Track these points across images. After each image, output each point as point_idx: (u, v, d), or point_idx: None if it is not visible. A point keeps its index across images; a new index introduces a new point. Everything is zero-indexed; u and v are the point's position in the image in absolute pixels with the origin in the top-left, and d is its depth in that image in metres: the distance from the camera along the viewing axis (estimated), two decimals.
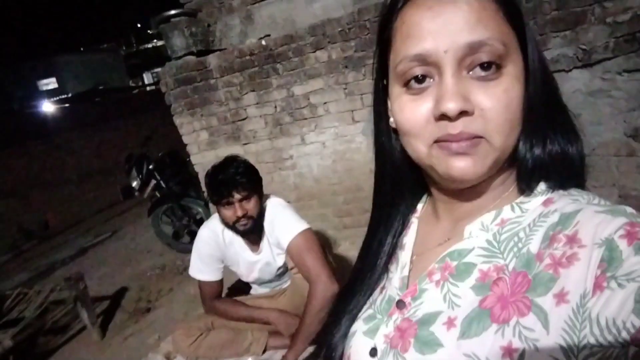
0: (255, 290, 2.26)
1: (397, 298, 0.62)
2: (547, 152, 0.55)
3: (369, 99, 3.19)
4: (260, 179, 2.00)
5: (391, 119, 0.60)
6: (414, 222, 0.70)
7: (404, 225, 0.71)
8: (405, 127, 0.55)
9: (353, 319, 0.68)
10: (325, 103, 3.30)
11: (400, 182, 0.68)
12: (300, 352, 1.81)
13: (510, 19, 0.52)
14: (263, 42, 3.34)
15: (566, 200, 0.53)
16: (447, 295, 0.56)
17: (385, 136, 0.64)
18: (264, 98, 3.46)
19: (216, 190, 1.89)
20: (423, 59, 0.51)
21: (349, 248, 3.53)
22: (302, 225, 1.95)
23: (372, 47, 3.02)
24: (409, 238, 0.68)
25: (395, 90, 0.56)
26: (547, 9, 2.45)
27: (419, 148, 0.54)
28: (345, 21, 3.04)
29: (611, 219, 0.46)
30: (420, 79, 0.52)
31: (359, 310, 0.68)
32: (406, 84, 0.54)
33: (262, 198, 2.00)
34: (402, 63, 0.53)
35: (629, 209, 0.48)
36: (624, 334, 0.40)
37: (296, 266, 1.95)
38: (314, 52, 3.18)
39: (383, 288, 0.67)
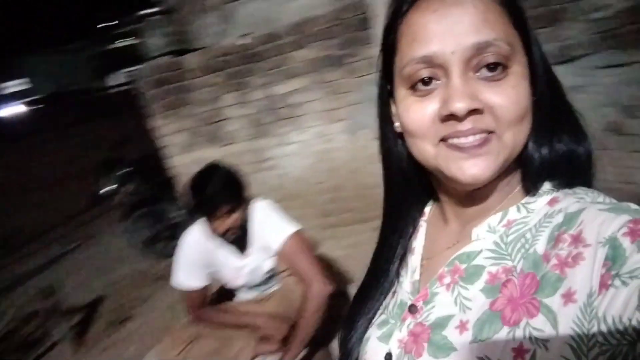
0: (241, 295, 2.19)
1: (409, 303, 0.63)
2: (554, 152, 0.56)
3: (350, 97, 3.16)
4: (244, 187, 1.95)
5: (396, 124, 0.61)
6: (423, 225, 0.71)
7: (414, 228, 0.72)
8: (411, 128, 0.55)
9: (368, 324, 0.69)
10: (306, 102, 3.26)
11: (407, 186, 0.69)
12: (297, 355, 1.78)
13: (514, 20, 0.53)
14: (242, 42, 3.27)
15: (571, 200, 0.53)
16: (458, 298, 0.57)
17: (391, 141, 0.65)
18: (244, 98, 3.39)
19: (199, 207, 1.85)
20: (430, 61, 0.51)
21: (333, 247, 3.49)
22: (293, 227, 1.92)
23: (352, 45, 3.02)
24: (418, 242, 0.70)
25: (401, 92, 0.57)
26: (527, 6, 2.45)
27: (426, 149, 0.55)
28: (326, 19, 3.00)
29: (614, 217, 0.46)
30: (426, 81, 0.53)
31: (373, 316, 0.69)
32: (412, 87, 0.54)
33: (247, 206, 1.94)
34: (409, 65, 0.53)
35: (633, 206, 0.48)
36: (631, 331, 0.40)
37: (289, 268, 1.92)
38: (295, 50, 3.13)
39: (394, 292, 0.69)
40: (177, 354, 1.93)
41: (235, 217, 1.86)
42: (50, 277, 5.20)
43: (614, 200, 0.51)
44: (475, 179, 0.52)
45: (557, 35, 2.45)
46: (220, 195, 1.80)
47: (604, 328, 0.42)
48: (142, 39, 3.46)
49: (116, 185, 4.93)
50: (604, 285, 0.43)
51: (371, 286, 0.72)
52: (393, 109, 0.61)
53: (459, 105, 0.49)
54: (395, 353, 0.61)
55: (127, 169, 4.89)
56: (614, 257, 0.44)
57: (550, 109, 0.55)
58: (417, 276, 0.66)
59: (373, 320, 0.69)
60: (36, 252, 6.60)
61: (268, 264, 2.02)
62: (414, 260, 0.68)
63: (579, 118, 0.58)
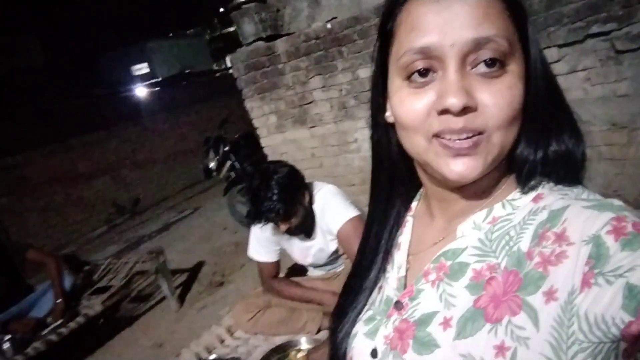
0: (311, 272, 2.32)
1: (395, 299, 0.63)
2: (551, 151, 0.55)
3: None
4: (300, 189, 1.97)
5: (387, 113, 0.60)
6: (409, 220, 0.70)
7: (400, 222, 0.71)
8: (404, 120, 0.54)
9: (355, 319, 0.69)
10: None
11: (395, 177, 0.68)
12: None
13: (514, 18, 0.51)
14: (328, 26, 3.34)
15: (555, 196, 0.53)
16: (443, 295, 0.56)
17: (382, 130, 0.64)
18: (330, 82, 3.48)
19: (257, 219, 1.94)
20: (427, 52, 0.50)
21: None
22: (352, 213, 1.95)
23: None
24: (404, 237, 0.69)
25: (396, 83, 0.55)
26: None
27: (418, 142, 0.54)
28: None
29: (598, 214, 0.46)
30: (423, 73, 0.51)
31: (360, 311, 0.69)
32: (408, 77, 0.53)
33: (305, 201, 1.98)
34: (406, 55, 0.52)
35: (617, 202, 0.48)
36: (614, 330, 0.41)
37: (344, 252, 1.97)
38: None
39: (381, 288, 0.68)
40: (248, 319, 2.12)
41: (293, 222, 1.93)
42: (162, 241, 5.86)
43: (598, 196, 0.51)
44: (462, 177, 0.51)
45: None
46: (271, 213, 1.87)
47: (584, 326, 0.43)
48: (237, 26, 3.68)
49: (218, 162, 5.34)
50: (586, 284, 0.43)
51: (357, 280, 0.71)
52: (388, 101, 0.59)
53: (454, 101, 0.48)
54: (380, 349, 0.61)
55: (227, 148, 5.26)
56: (597, 256, 0.44)
57: (546, 109, 0.54)
58: (403, 272, 0.65)
59: (360, 316, 0.68)
60: (153, 218, 7.45)
61: (333, 246, 2.10)
62: (400, 255, 0.67)
63: (576, 118, 0.57)
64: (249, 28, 3.62)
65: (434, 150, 0.52)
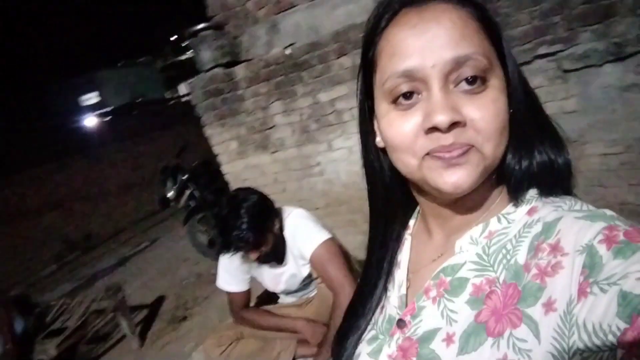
0: (283, 299, 2.27)
1: (397, 317, 0.63)
2: (535, 162, 0.57)
3: None
4: (270, 216, 1.95)
5: (378, 138, 0.62)
6: (407, 239, 0.71)
7: (399, 242, 0.72)
8: (394, 142, 0.56)
9: (358, 340, 0.69)
10: (350, 109, 3.29)
11: (391, 200, 0.69)
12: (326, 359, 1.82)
13: (490, 35, 0.54)
14: (288, 51, 3.37)
15: (548, 208, 0.54)
16: (444, 311, 0.57)
17: (373, 155, 0.66)
18: (291, 106, 3.48)
19: (226, 248, 1.90)
20: (410, 75, 0.52)
21: None
22: (323, 236, 1.94)
23: None
24: (404, 255, 0.70)
25: (383, 107, 0.57)
26: (575, 4, 2.36)
27: (409, 162, 0.55)
28: None
29: (590, 224, 0.47)
30: (407, 96, 0.53)
31: (363, 331, 0.69)
32: (394, 101, 0.55)
33: (275, 228, 1.96)
34: (390, 80, 0.54)
35: (609, 212, 0.49)
36: (611, 337, 0.41)
37: (319, 277, 1.95)
38: (338, 58, 3.18)
39: (383, 308, 0.69)
40: (220, 353, 2.03)
41: (262, 250, 1.90)
42: (120, 276, 5.60)
43: (591, 207, 0.52)
44: (457, 187, 0.52)
45: (608, 32, 2.33)
46: (239, 242, 1.84)
47: (584, 335, 0.43)
48: (195, 53, 3.65)
49: (177, 191, 5.21)
50: (582, 293, 0.44)
51: (361, 302, 0.72)
52: (375, 124, 0.61)
53: (441, 118, 0.49)
54: None
55: (186, 176, 5.14)
56: (591, 265, 0.44)
57: (527, 121, 0.56)
58: (403, 290, 0.66)
59: (363, 336, 0.69)
60: (107, 253, 7.12)
61: (305, 271, 2.07)
62: (400, 274, 0.68)
63: (556, 128, 0.58)
64: (207, 55, 3.59)
65: (426, 166, 0.54)
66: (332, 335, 1.77)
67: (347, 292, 1.82)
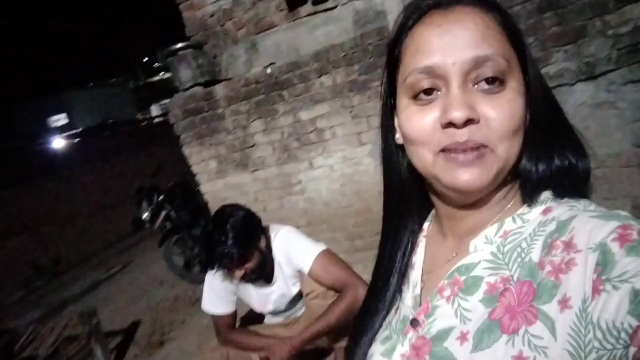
0: (269, 319, 2.22)
1: (411, 317, 0.64)
2: (554, 166, 0.58)
3: (375, 121, 3.20)
4: (257, 233, 1.93)
5: (397, 135, 0.63)
6: (422, 241, 0.72)
7: (413, 243, 0.72)
8: (412, 135, 0.57)
9: (371, 340, 0.69)
10: (331, 127, 3.31)
11: (407, 197, 0.70)
12: (306, 342, 1.82)
13: (511, 38, 0.56)
14: (268, 70, 3.39)
15: (563, 208, 0.55)
16: (458, 309, 0.57)
17: (392, 152, 0.67)
18: (271, 125, 3.49)
19: (210, 263, 1.88)
20: (431, 71, 0.54)
21: (362, 271, 3.42)
22: (319, 248, 1.94)
23: (376, 70, 3.08)
24: (419, 257, 0.70)
25: (403, 102, 0.59)
26: (548, 25, 2.46)
27: (425, 156, 0.57)
28: (349, 46, 3.08)
29: (604, 223, 0.48)
30: (428, 91, 0.55)
31: (377, 331, 0.70)
32: (414, 97, 0.57)
33: (262, 246, 1.94)
34: (411, 75, 0.56)
35: (623, 213, 0.49)
36: (624, 335, 0.42)
37: (325, 285, 1.91)
38: (319, 77, 3.22)
39: (397, 309, 0.69)
40: None
41: (247, 266, 1.87)
42: (92, 301, 5.38)
43: (604, 209, 0.52)
44: (469, 186, 0.54)
45: (580, 52, 2.43)
46: (224, 257, 1.81)
47: (599, 333, 0.43)
48: (174, 72, 3.63)
49: (152, 212, 5.10)
50: (596, 291, 0.44)
51: (373, 302, 0.72)
52: (395, 121, 0.63)
53: (458, 114, 0.51)
54: None
55: (162, 197, 5.05)
56: (604, 262, 0.45)
57: (547, 126, 0.57)
58: (418, 290, 0.66)
59: (376, 336, 0.69)
60: (79, 277, 6.86)
61: (295, 289, 2.04)
62: (415, 275, 0.68)
63: (579, 136, 0.60)
64: (186, 74, 3.58)
65: (440, 164, 0.55)
66: (326, 321, 1.76)
67: (357, 284, 1.82)
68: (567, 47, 2.45)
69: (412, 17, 0.59)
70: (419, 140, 0.56)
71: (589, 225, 0.49)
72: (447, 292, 0.60)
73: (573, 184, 0.58)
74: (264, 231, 1.98)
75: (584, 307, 0.45)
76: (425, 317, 0.61)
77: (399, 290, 0.70)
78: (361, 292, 1.78)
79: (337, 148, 3.36)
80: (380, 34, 2.97)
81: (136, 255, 7.01)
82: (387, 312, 0.70)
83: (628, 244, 0.44)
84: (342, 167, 3.40)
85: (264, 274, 1.96)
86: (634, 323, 0.41)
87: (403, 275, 0.71)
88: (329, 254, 1.94)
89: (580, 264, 0.47)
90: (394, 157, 0.67)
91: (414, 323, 0.62)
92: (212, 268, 1.88)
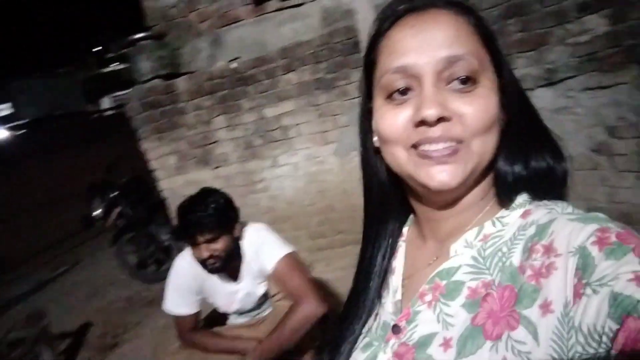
0: (234, 320, 2.17)
1: (392, 323, 0.63)
2: (531, 168, 0.58)
3: (340, 120, 3.20)
4: (234, 217, 1.92)
5: (375, 138, 0.63)
6: (402, 245, 0.71)
7: (393, 247, 0.72)
8: (385, 133, 0.58)
9: (351, 348, 0.68)
10: (297, 125, 3.29)
11: (386, 202, 0.70)
12: (261, 358, 1.78)
13: (484, 41, 0.57)
14: (233, 65, 3.31)
15: (542, 211, 0.55)
16: (440, 315, 0.57)
17: (371, 155, 0.67)
18: (235, 121, 3.42)
19: (181, 230, 1.84)
20: (405, 71, 0.55)
21: (324, 270, 3.48)
22: (287, 249, 1.92)
23: (343, 69, 3.07)
24: (398, 262, 0.70)
25: (378, 102, 0.60)
26: (512, 31, 2.53)
27: (398, 153, 0.57)
28: (316, 43, 3.05)
29: (583, 226, 0.48)
30: (402, 92, 0.56)
31: (356, 338, 0.68)
32: (389, 96, 0.57)
33: (235, 234, 1.92)
34: (386, 75, 0.57)
35: (601, 215, 0.50)
36: (605, 339, 0.41)
37: (283, 289, 1.90)
38: (285, 74, 3.18)
39: (377, 314, 0.68)
40: None
41: (214, 247, 1.82)
42: (39, 302, 5.09)
43: (582, 212, 0.53)
44: (444, 185, 0.54)
45: (541, 59, 2.52)
46: (199, 223, 1.77)
47: (581, 337, 0.43)
48: (132, 63, 3.48)
49: (105, 208, 4.88)
50: (577, 295, 0.44)
51: (353, 308, 0.71)
52: (373, 123, 0.63)
53: (430, 112, 0.52)
54: None
55: (116, 193, 4.85)
56: (584, 266, 0.45)
57: (523, 127, 0.58)
58: (399, 296, 0.66)
59: (356, 344, 0.68)
60: (24, 276, 6.48)
61: (261, 289, 2.00)
62: (395, 280, 0.68)
63: (555, 138, 0.61)
64: (145, 65, 3.44)
65: (414, 160, 0.56)
66: (279, 339, 1.74)
67: (312, 301, 1.80)
68: (530, 53, 2.53)
69: (388, 20, 0.60)
70: (392, 139, 0.57)
71: (568, 228, 0.49)
72: (428, 297, 0.59)
73: (551, 186, 0.59)
74: (239, 222, 1.95)
75: (565, 312, 0.45)
76: (406, 323, 0.60)
77: (378, 296, 0.69)
78: (317, 310, 1.80)
79: (302, 146, 3.33)
80: (348, 33, 2.97)
81: (86, 254, 6.69)
82: (367, 318, 0.69)
83: (607, 247, 0.45)
84: (306, 165, 3.38)
85: (230, 266, 1.91)
86: (615, 326, 0.40)
87: (382, 278, 0.70)
88: (294, 259, 1.93)
89: (561, 267, 0.47)
90: (372, 160, 0.67)
91: (396, 329, 0.61)
92: (184, 236, 1.82)
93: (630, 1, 2.18)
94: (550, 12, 2.44)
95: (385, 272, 0.70)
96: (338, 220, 3.42)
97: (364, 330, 0.68)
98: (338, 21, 3.09)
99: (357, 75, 3.00)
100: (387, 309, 0.66)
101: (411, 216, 0.72)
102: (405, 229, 0.73)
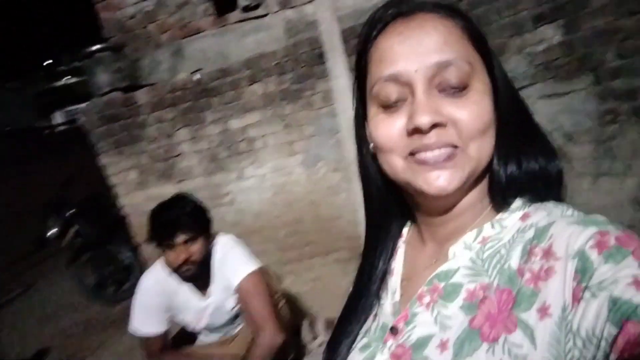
0: (204, 338, 2.08)
1: (390, 324, 0.63)
2: (524, 169, 0.58)
3: (307, 130, 3.18)
4: (209, 220, 1.90)
5: (371, 144, 0.63)
6: (401, 247, 0.71)
7: (393, 248, 0.72)
8: (380, 142, 0.58)
9: (349, 349, 0.68)
10: (263, 136, 3.24)
11: (386, 204, 0.70)
12: None
13: (474, 42, 0.56)
14: (196, 77, 3.24)
15: (541, 214, 0.55)
16: (438, 317, 0.56)
17: (368, 161, 0.67)
18: (199, 133, 3.34)
19: (158, 231, 1.77)
20: (396, 79, 0.55)
21: (293, 283, 3.43)
22: (252, 266, 1.89)
23: (308, 79, 3.06)
24: (397, 263, 0.70)
25: (372, 111, 0.59)
26: None
27: (395, 162, 0.57)
28: (281, 54, 3.04)
29: (582, 229, 0.47)
30: (394, 99, 0.56)
31: (354, 339, 0.68)
32: (382, 105, 0.57)
33: (209, 240, 1.88)
34: (377, 84, 0.56)
35: (601, 217, 0.49)
36: (604, 343, 0.41)
37: (244, 309, 1.85)
38: (250, 85, 3.14)
39: (376, 316, 0.68)
40: None
41: (192, 250, 1.78)
42: None
43: (582, 214, 0.53)
44: (441, 190, 0.54)
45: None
46: (178, 222, 1.74)
47: (579, 342, 0.43)
48: (89, 75, 3.35)
49: (61, 227, 4.65)
50: (576, 299, 0.44)
51: (353, 308, 0.71)
52: (367, 131, 0.63)
53: (423, 120, 0.52)
54: None
55: (73, 211, 4.64)
56: (583, 270, 0.44)
57: (515, 128, 0.58)
58: (397, 297, 0.66)
59: (354, 345, 0.68)
60: None
61: (231, 303, 1.94)
62: (394, 281, 0.68)
63: (546, 137, 0.61)
64: (103, 78, 3.32)
65: (410, 168, 0.56)
66: None
67: (270, 331, 1.78)
68: None
69: (376, 28, 0.59)
70: (387, 147, 0.57)
71: (567, 231, 0.49)
72: (426, 299, 0.59)
73: (548, 187, 0.59)
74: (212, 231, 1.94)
75: (564, 316, 0.45)
76: (404, 324, 0.60)
77: (377, 297, 0.69)
78: (274, 339, 1.79)
79: (269, 157, 3.29)
80: (312, 44, 2.96)
81: (41, 276, 6.37)
82: (366, 319, 0.69)
83: (606, 250, 0.44)
84: (273, 177, 3.34)
85: (201, 276, 1.86)
86: (613, 331, 0.40)
87: (382, 282, 0.70)
88: (258, 279, 1.89)
89: (560, 271, 0.46)
90: (369, 166, 0.67)
91: (394, 330, 0.61)
92: (158, 240, 1.77)
93: (583, 12, 2.29)
94: (507, 23, 2.52)
95: (385, 273, 0.70)
96: (307, 232, 3.39)
97: (363, 331, 0.68)
98: (302, 32, 3.09)
99: (322, 85, 3.00)
100: (386, 310, 0.66)
101: (411, 217, 0.72)
102: (405, 230, 0.73)
